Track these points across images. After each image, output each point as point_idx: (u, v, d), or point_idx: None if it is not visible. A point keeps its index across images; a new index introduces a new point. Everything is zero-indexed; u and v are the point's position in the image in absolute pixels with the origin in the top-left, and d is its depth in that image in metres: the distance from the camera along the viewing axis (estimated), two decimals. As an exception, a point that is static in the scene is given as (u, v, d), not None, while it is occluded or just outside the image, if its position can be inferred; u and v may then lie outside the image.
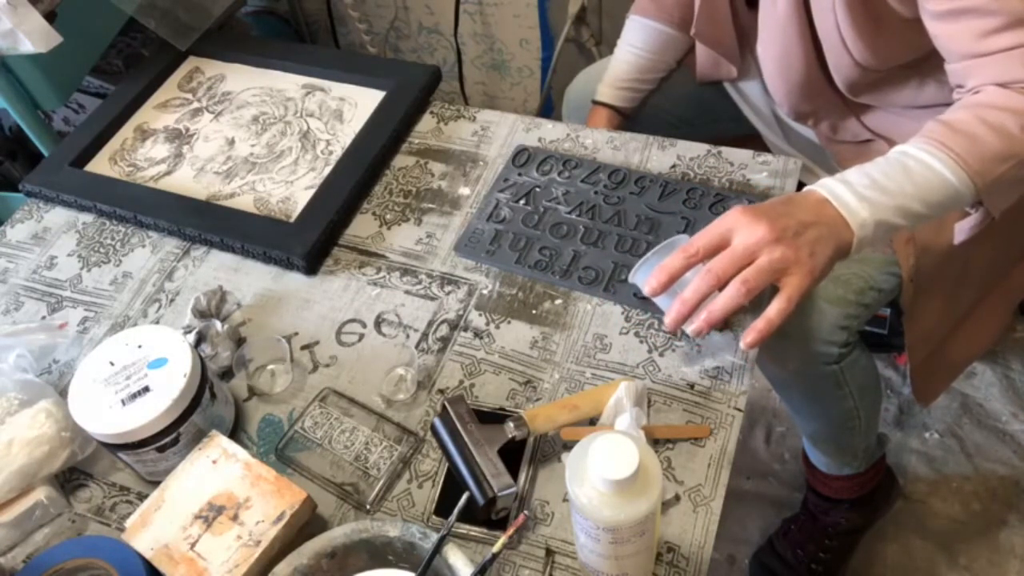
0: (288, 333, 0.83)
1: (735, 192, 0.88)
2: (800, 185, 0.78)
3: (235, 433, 0.76)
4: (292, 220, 0.91)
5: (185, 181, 0.99)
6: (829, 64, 0.89)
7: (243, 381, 0.80)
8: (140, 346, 0.72)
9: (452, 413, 0.69)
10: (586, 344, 0.78)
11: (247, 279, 0.89)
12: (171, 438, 0.69)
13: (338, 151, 0.99)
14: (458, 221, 0.90)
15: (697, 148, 0.93)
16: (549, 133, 0.98)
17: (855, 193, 0.69)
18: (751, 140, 1.11)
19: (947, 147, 0.70)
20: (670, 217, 0.86)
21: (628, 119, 1.15)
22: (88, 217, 0.98)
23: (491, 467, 0.66)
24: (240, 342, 0.82)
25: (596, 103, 1.14)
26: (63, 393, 0.76)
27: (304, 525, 0.68)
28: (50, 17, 1.05)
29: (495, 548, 0.60)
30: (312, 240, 0.87)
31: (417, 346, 0.81)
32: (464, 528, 0.67)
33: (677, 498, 0.68)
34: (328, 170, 0.96)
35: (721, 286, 0.68)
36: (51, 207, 1.00)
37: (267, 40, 1.69)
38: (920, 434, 1.41)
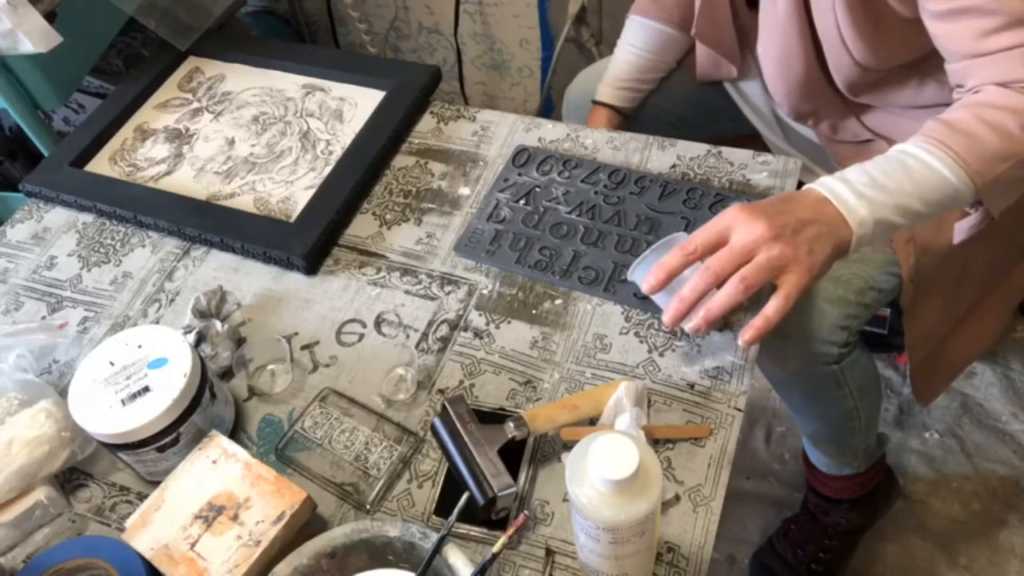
0: (288, 333, 0.83)
1: (735, 192, 0.88)
2: (800, 185, 0.78)
3: (235, 433, 0.76)
4: (292, 220, 0.91)
5: (185, 181, 0.99)
6: (829, 64, 0.89)
7: (243, 381, 0.80)
8: (140, 346, 0.72)
9: (452, 413, 0.69)
10: (586, 344, 0.78)
11: (247, 279, 0.89)
12: (171, 438, 0.69)
13: (338, 151, 0.99)
14: (458, 221, 0.90)
15: (697, 148, 0.93)
16: (549, 133, 0.98)
17: (854, 191, 0.69)
18: (751, 140, 1.11)
19: (947, 146, 0.70)
20: (670, 217, 0.86)
21: (628, 119, 1.15)
22: (88, 217, 0.98)
23: (491, 467, 0.66)
24: (240, 342, 0.82)
25: (596, 103, 1.14)
26: (63, 393, 0.76)
27: (304, 525, 0.68)
28: (50, 17, 1.05)
29: (495, 548, 0.60)
30: (312, 240, 0.87)
31: (417, 346, 0.81)
32: (464, 528, 0.67)
33: (677, 498, 0.68)
34: (328, 170, 0.96)
35: (719, 284, 0.68)
36: (51, 207, 1.00)
37: (267, 40, 1.69)
38: (920, 434, 1.41)
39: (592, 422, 0.72)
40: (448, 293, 0.84)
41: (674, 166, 0.92)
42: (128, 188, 0.97)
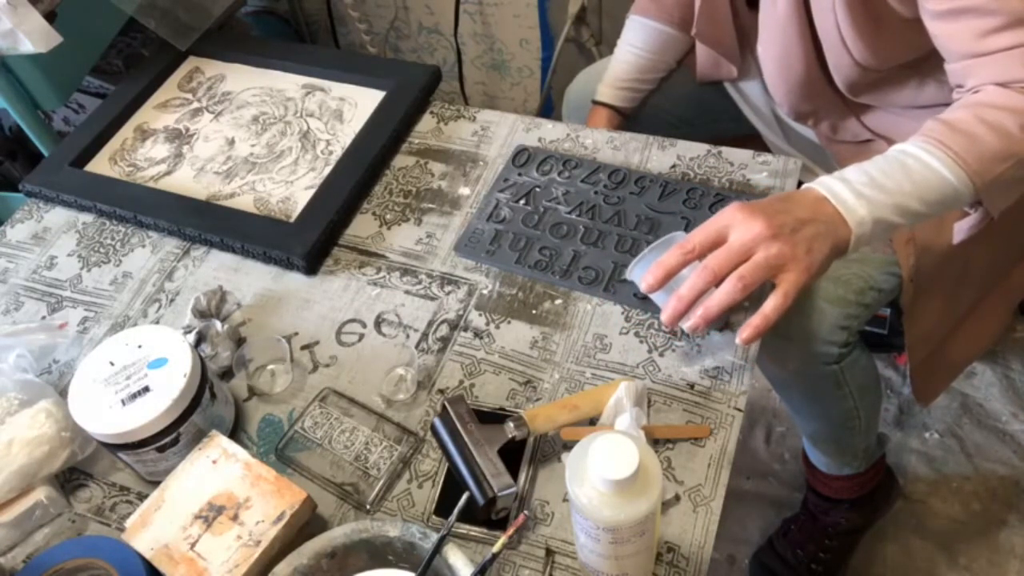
0: (288, 333, 0.83)
1: (735, 192, 0.88)
2: (799, 185, 0.78)
3: (235, 433, 0.76)
4: (292, 220, 0.91)
5: (185, 181, 0.99)
6: (829, 64, 0.89)
7: (243, 381, 0.80)
8: (140, 346, 0.72)
9: (452, 413, 0.69)
10: (586, 344, 0.78)
11: (247, 279, 0.89)
12: (171, 438, 0.69)
13: (338, 151, 0.99)
14: (458, 221, 0.90)
15: (697, 148, 0.93)
16: (549, 133, 0.98)
17: (853, 191, 0.69)
18: (751, 140, 1.11)
19: (946, 146, 0.70)
20: (670, 217, 0.86)
21: (628, 119, 1.15)
22: (88, 217, 0.98)
23: (491, 467, 0.66)
24: (240, 342, 0.82)
25: (596, 103, 1.14)
26: (63, 393, 0.76)
27: (304, 525, 0.68)
28: (50, 17, 1.05)
29: (495, 548, 0.60)
30: (312, 240, 0.87)
31: (417, 346, 0.81)
32: (464, 528, 0.67)
33: (677, 498, 0.68)
34: (328, 170, 0.96)
35: (718, 282, 0.68)
36: (51, 207, 1.00)
37: (267, 40, 1.69)
38: (920, 434, 1.41)
39: (592, 422, 0.72)
40: (448, 293, 0.84)
41: (674, 166, 0.92)
42: (128, 188, 0.97)
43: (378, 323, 0.83)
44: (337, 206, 0.90)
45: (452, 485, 0.69)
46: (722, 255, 0.68)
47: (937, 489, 1.34)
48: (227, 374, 0.81)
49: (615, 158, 0.94)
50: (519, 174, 0.93)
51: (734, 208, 0.69)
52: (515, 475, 0.68)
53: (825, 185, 0.70)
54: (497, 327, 0.81)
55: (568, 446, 0.71)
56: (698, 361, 0.76)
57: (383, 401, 0.77)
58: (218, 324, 0.80)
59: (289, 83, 1.09)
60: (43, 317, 0.88)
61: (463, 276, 0.85)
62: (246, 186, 0.97)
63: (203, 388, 0.71)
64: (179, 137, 1.05)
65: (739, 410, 0.72)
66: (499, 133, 0.99)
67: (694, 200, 0.87)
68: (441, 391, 0.77)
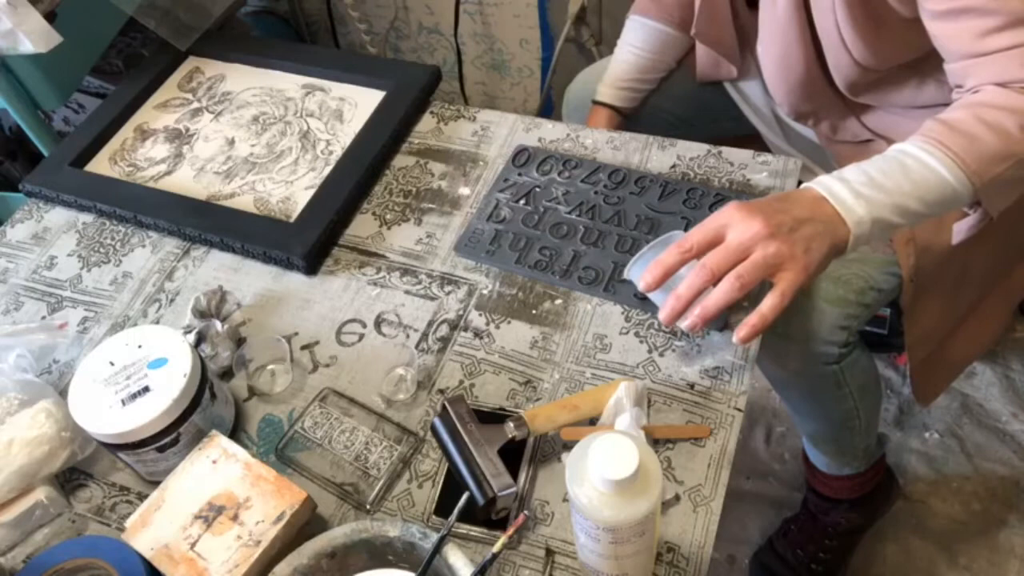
0: (288, 333, 0.83)
1: (735, 192, 0.88)
2: (799, 185, 0.78)
3: (235, 433, 0.76)
4: (292, 220, 0.91)
5: (185, 181, 0.99)
6: (829, 64, 0.89)
7: (243, 381, 0.80)
8: (140, 346, 0.72)
9: (452, 413, 0.69)
10: (586, 344, 0.78)
11: (247, 279, 0.89)
12: (171, 438, 0.69)
13: (338, 151, 0.99)
14: (458, 221, 0.90)
15: (697, 148, 0.93)
16: (549, 133, 0.98)
17: (852, 191, 0.69)
18: (751, 140, 1.11)
19: (945, 146, 0.70)
20: (670, 217, 0.86)
21: (628, 119, 1.15)
22: (88, 217, 0.98)
23: (491, 467, 0.66)
24: (240, 342, 0.82)
25: (596, 103, 1.14)
26: (63, 393, 0.76)
27: (304, 525, 0.68)
28: (50, 17, 1.05)
29: (495, 548, 0.60)
30: (312, 240, 0.87)
31: (417, 346, 0.81)
32: (464, 528, 0.67)
33: (677, 498, 0.68)
34: (328, 170, 0.96)
35: (715, 281, 0.68)
36: (51, 207, 1.00)
37: (267, 40, 1.69)
38: (920, 434, 1.41)
39: (592, 422, 0.72)
40: (448, 293, 0.84)
41: (674, 166, 0.92)
42: (128, 188, 0.97)
43: (378, 323, 0.83)
44: (337, 206, 0.90)
45: (452, 485, 0.69)
46: (720, 254, 0.68)
47: (937, 489, 1.34)
48: (227, 374, 0.81)
49: (615, 158, 0.94)
50: (519, 174, 0.93)
51: (732, 207, 0.69)
52: (515, 475, 0.68)
53: (823, 185, 0.70)
54: (497, 327, 0.81)
55: (568, 446, 0.71)
56: (698, 361, 0.76)
57: (383, 401, 0.77)
58: (218, 324, 0.80)
59: (289, 83, 1.09)
60: (43, 317, 0.88)
61: (463, 276, 0.85)
62: (246, 186, 0.97)
63: (203, 388, 0.71)
64: (179, 137, 1.05)
65: (739, 410, 0.72)
66: (499, 133, 0.99)
67: (694, 200, 0.87)
68: (441, 391, 0.77)
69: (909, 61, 0.87)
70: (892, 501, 1.27)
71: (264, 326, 0.84)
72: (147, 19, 1.09)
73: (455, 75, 1.84)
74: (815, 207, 0.69)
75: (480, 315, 0.82)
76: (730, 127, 1.15)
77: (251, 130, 1.04)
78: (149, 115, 1.08)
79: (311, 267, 0.87)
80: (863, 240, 0.69)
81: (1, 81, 1.10)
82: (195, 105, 1.09)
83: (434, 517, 0.69)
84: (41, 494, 0.71)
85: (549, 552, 0.66)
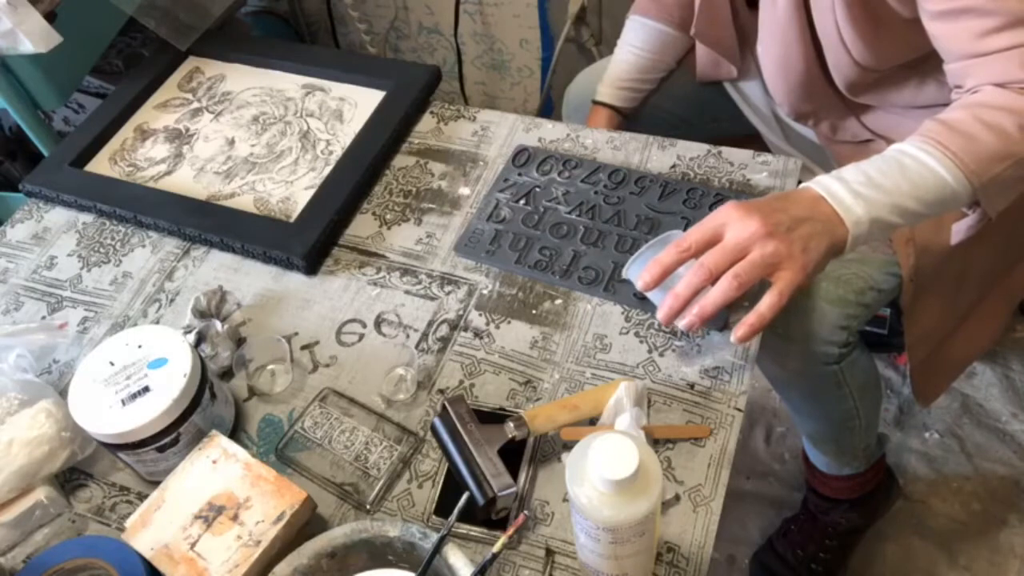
0: (288, 333, 0.83)
1: (735, 192, 0.88)
2: (799, 185, 0.78)
3: (235, 433, 0.76)
4: (292, 220, 0.91)
5: (185, 181, 0.99)
6: (829, 64, 0.89)
7: (243, 381, 0.80)
8: (140, 346, 0.72)
9: (452, 413, 0.69)
10: (586, 344, 0.78)
11: (247, 279, 0.89)
12: (171, 438, 0.70)
13: (338, 151, 0.99)
14: (458, 221, 0.90)
15: (697, 148, 0.93)
16: (549, 133, 0.98)
17: (850, 190, 0.69)
18: (751, 140, 1.11)
19: (944, 146, 0.70)
20: (670, 217, 0.86)
21: (628, 119, 1.15)
22: (88, 217, 0.98)
23: (491, 467, 0.66)
24: (240, 342, 0.82)
25: (596, 103, 1.14)
26: (63, 393, 0.76)
27: (304, 525, 0.68)
28: (50, 17, 1.05)
29: (495, 548, 0.60)
30: (312, 240, 0.87)
31: (417, 346, 0.81)
32: (464, 528, 0.67)
33: (677, 498, 0.68)
34: (328, 170, 0.96)
35: (713, 280, 0.68)
36: (51, 207, 1.00)
37: (267, 40, 1.69)
38: (920, 434, 1.41)
39: (592, 422, 0.72)
40: (448, 293, 0.84)
41: (674, 166, 0.92)
42: (128, 188, 0.97)
43: (378, 323, 0.83)
44: (337, 206, 0.90)
45: (452, 485, 0.69)
46: (718, 253, 0.68)
47: (937, 489, 1.34)
48: (227, 374, 0.81)
49: (615, 158, 0.94)
50: (519, 174, 0.93)
51: (730, 207, 0.69)
52: (515, 475, 0.68)
53: (822, 184, 0.70)
54: (497, 327, 0.81)
55: (568, 446, 0.71)
56: (698, 361, 0.76)
57: (383, 401, 0.77)
58: (218, 324, 0.80)
59: (289, 83, 1.09)
60: (43, 317, 0.88)
61: (463, 276, 0.85)
62: (246, 186, 0.97)
63: (203, 388, 0.71)
64: (179, 137, 1.05)
65: (739, 410, 0.72)
66: (499, 133, 0.99)
67: (694, 200, 0.87)
68: (441, 391, 0.77)
69: (909, 61, 0.87)
70: (892, 501, 1.27)
71: (264, 326, 0.84)
72: (147, 19, 1.09)
73: (455, 75, 1.84)
74: (813, 206, 0.69)
75: (480, 315, 0.82)
76: (730, 127, 1.15)
77: (251, 130, 1.04)
78: (149, 115, 1.08)
79: (311, 267, 0.87)
80: (861, 240, 0.69)
81: (1, 81, 1.10)
82: (195, 105, 1.09)
83: (434, 517, 0.69)
84: (41, 494, 0.71)
85: (549, 552, 0.66)
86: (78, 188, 0.97)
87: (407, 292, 0.85)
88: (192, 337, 0.79)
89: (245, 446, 0.74)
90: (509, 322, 0.81)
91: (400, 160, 0.98)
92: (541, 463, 0.71)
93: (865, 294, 0.92)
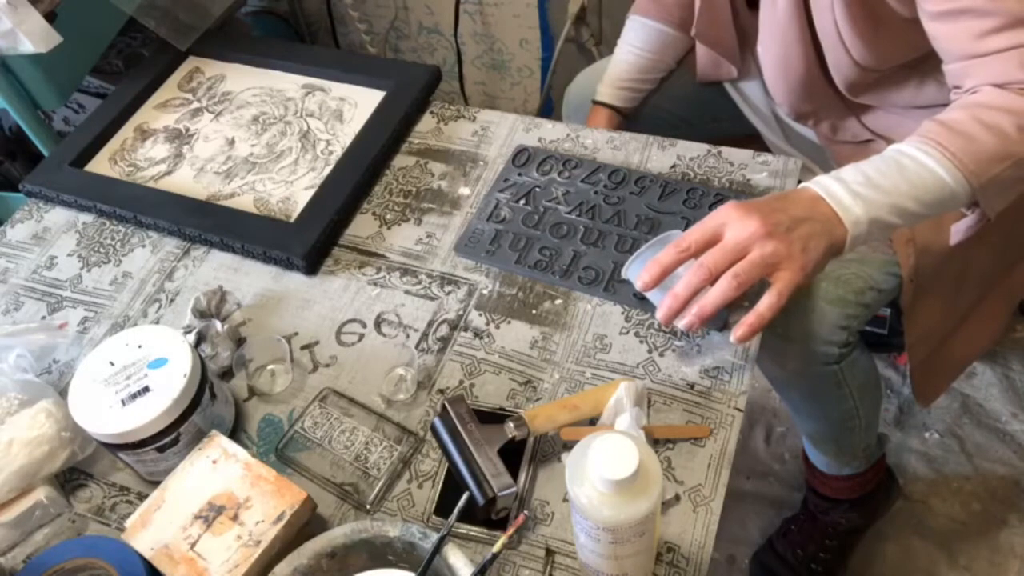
0: (288, 333, 0.83)
1: (735, 192, 0.88)
2: (798, 185, 0.78)
3: (235, 433, 0.76)
4: (292, 220, 0.91)
5: (185, 181, 0.99)
6: (829, 64, 0.89)
7: (243, 381, 0.80)
8: (140, 346, 0.72)
9: (452, 413, 0.69)
10: (586, 344, 0.78)
11: (247, 279, 0.89)
12: (171, 438, 0.70)
13: (338, 151, 0.99)
14: (458, 221, 0.90)
15: (697, 148, 0.93)
16: (549, 133, 0.98)
17: (849, 190, 0.69)
18: (751, 140, 1.11)
19: (943, 146, 0.70)
20: (670, 217, 0.86)
21: (628, 119, 1.15)
22: (88, 217, 0.98)
23: (491, 467, 0.66)
24: (240, 342, 0.82)
25: (596, 103, 1.14)
26: (63, 393, 0.76)
27: (304, 525, 0.68)
28: (50, 17, 1.05)
29: (495, 548, 0.60)
30: (312, 240, 0.87)
31: (417, 346, 0.81)
32: (464, 528, 0.67)
33: (677, 498, 0.68)
34: (328, 170, 0.96)
35: (713, 280, 0.68)
36: (51, 207, 1.00)
37: (267, 40, 1.69)
38: (920, 434, 1.41)
39: (592, 422, 0.72)
40: (448, 293, 0.84)
41: (674, 166, 0.92)
42: (128, 188, 0.97)
43: (378, 323, 0.83)
44: (337, 206, 0.90)
45: (452, 485, 0.69)
46: (717, 253, 0.68)
47: (937, 489, 1.34)
48: (227, 374, 0.81)
49: (615, 158, 0.94)
50: (519, 174, 0.93)
51: (730, 206, 0.69)
52: (515, 475, 0.68)
53: (821, 185, 0.70)
54: (497, 327, 0.81)
55: (568, 446, 0.71)
56: (698, 361, 0.76)
57: (383, 401, 0.77)
58: (218, 324, 0.80)
59: (289, 83, 1.09)
60: (43, 317, 0.88)
61: (463, 276, 0.85)
62: (246, 186, 0.97)
63: (203, 388, 0.71)
64: (179, 137, 1.05)
65: (739, 410, 0.72)
66: (499, 133, 0.99)
67: (694, 200, 0.87)
68: (441, 391, 0.77)
69: (909, 61, 0.87)
70: (892, 501, 1.27)
71: (264, 326, 0.84)
72: (147, 19, 1.09)
73: (455, 75, 1.84)
74: (812, 207, 0.69)
75: (480, 315, 0.82)
76: (730, 127, 1.15)
77: (251, 130, 1.04)
78: (149, 115, 1.08)
79: (311, 267, 0.87)
80: (860, 240, 0.69)
81: (1, 81, 1.10)
82: (195, 105, 1.09)
83: (434, 517, 0.69)
84: (41, 494, 0.71)
85: (549, 552, 0.66)
86: (78, 188, 0.97)
87: (407, 292, 0.85)
88: (192, 337, 0.79)
89: (245, 446, 0.74)
90: (509, 322, 0.81)
91: (400, 160, 0.98)
92: (541, 463, 0.71)
93: (865, 294, 0.92)
